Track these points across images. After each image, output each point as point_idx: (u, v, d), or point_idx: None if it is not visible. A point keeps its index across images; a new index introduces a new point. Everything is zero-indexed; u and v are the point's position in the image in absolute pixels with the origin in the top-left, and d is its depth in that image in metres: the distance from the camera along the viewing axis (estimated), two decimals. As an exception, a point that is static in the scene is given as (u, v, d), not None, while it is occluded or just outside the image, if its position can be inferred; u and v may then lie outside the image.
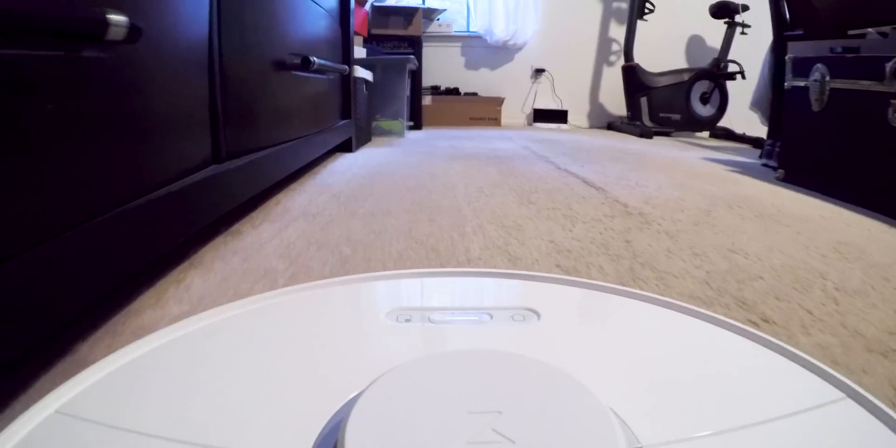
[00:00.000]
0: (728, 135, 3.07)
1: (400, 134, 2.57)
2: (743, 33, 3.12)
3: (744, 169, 1.71)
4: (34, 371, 0.41)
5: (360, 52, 2.28)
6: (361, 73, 1.96)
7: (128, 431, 0.27)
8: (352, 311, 0.45)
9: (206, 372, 0.34)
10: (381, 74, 2.47)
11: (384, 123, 2.57)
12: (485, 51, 3.81)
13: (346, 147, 1.87)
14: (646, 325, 0.42)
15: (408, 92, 2.73)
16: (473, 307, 0.44)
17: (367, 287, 0.48)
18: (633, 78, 3.24)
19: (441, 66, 3.80)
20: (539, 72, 3.89)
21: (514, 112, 3.91)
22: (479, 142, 2.39)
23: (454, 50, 3.84)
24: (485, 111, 3.60)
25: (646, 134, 2.97)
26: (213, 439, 0.27)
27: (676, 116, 3.14)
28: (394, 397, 0.28)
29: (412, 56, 2.59)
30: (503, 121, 3.69)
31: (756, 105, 2.12)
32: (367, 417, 0.26)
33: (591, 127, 3.87)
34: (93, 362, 0.33)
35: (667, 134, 3.16)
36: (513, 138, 2.66)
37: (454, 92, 3.70)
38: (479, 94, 3.76)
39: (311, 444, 0.27)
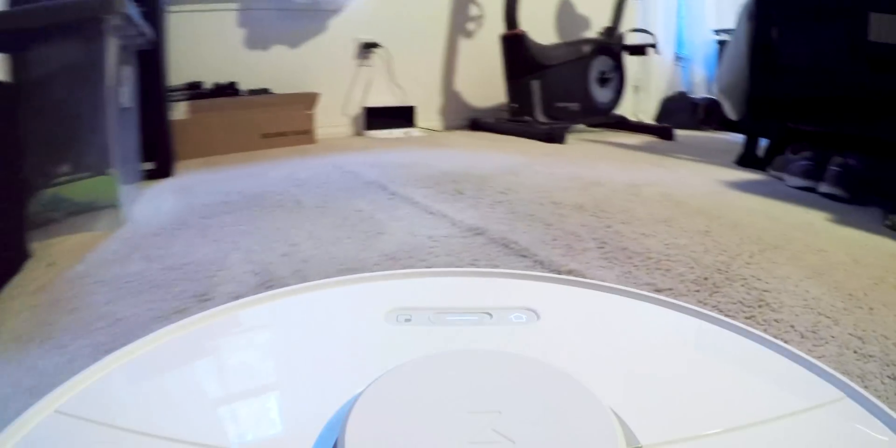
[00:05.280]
0: (623, 124, 2.45)
1: (114, 208, 1.03)
2: (636, -7, 2.38)
3: (823, 207, 1.11)
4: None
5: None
6: None
7: (127, 431, 0.27)
8: (352, 311, 0.45)
9: (205, 372, 0.34)
10: (37, 68, 0.97)
11: (71, 190, 1.02)
12: (278, 16, 2.25)
13: None
14: (646, 325, 0.42)
15: (126, 102, 1.18)
16: (473, 307, 0.44)
17: (367, 287, 0.48)
18: (521, 52, 2.19)
19: (204, 47, 2.12)
20: (369, 48, 2.43)
21: (334, 116, 2.41)
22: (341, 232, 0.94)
23: (226, 16, 2.17)
24: (287, 120, 2.08)
25: (556, 136, 2.01)
26: (213, 439, 0.27)
27: (575, 106, 2.31)
28: (394, 397, 0.28)
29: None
30: (319, 132, 2.17)
31: (727, 91, 1.57)
32: (367, 417, 0.26)
33: (449, 128, 2.65)
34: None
35: (564, 130, 2.28)
36: (387, 186, 1.24)
37: (229, 90, 2.08)
38: (273, 90, 2.16)
39: (311, 443, 0.27)
